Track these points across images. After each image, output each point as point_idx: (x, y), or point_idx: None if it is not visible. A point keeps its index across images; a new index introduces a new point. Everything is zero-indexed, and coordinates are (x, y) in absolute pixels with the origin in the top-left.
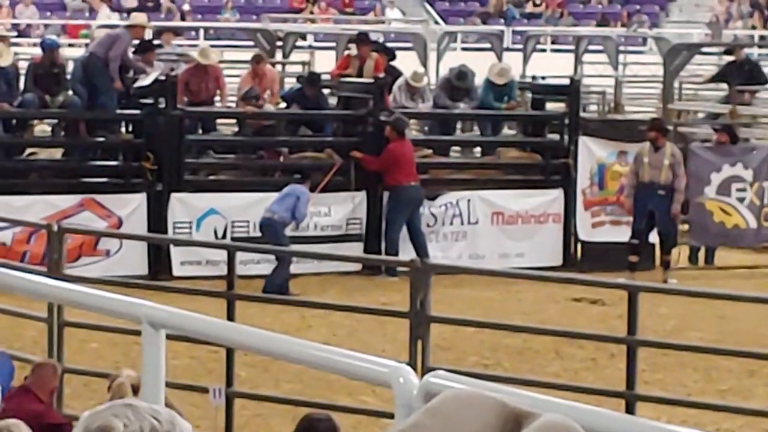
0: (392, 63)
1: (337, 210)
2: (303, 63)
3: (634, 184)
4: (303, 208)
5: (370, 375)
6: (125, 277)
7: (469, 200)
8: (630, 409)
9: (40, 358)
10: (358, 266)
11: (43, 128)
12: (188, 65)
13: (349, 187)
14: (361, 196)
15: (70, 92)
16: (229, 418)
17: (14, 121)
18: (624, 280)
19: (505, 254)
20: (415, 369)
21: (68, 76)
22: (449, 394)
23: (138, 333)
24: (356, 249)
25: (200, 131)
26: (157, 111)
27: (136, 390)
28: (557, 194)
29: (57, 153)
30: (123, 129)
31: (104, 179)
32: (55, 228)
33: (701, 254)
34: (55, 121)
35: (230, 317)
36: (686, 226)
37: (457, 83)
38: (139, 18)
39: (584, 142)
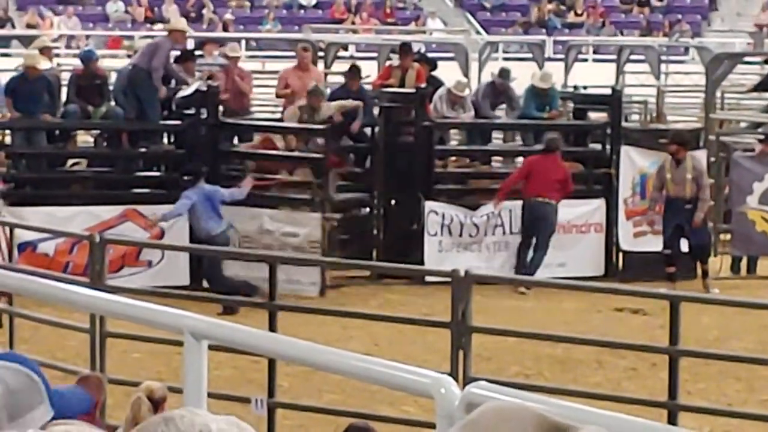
0: (433, 73)
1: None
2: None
3: (657, 198)
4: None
5: (411, 385)
6: (167, 287)
7: (510, 210)
8: (672, 420)
9: (83, 369)
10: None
11: (85, 139)
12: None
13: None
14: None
15: (113, 103)
16: (272, 429)
17: (57, 132)
18: (665, 290)
19: (547, 264)
20: (456, 379)
21: (110, 87)
22: (489, 407)
23: (180, 343)
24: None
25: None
26: (199, 121)
27: (161, 402)
28: (599, 204)
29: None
30: (165, 140)
31: (146, 190)
32: (98, 239)
33: (743, 264)
34: (98, 132)
35: (272, 328)
36: (728, 236)
37: (499, 79)
38: (179, 23)
39: (626, 151)
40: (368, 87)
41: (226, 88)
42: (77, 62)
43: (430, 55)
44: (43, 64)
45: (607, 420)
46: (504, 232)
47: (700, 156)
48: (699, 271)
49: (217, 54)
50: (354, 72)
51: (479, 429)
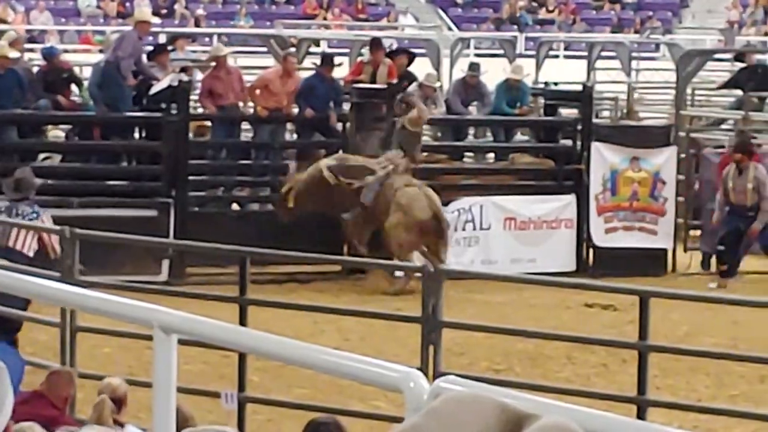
0: (409, 68)
1: None
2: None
3: (722, 203)
4: None
5: (380, 380)
6: (140, 282)
7: (481, 206)
8: (641, 415)
9: (53, 364)
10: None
11: (56, 133)
12: (208, 71)
13: None
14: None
15: (86, 95)
16: (242, 423)
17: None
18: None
19: (517, 259)
20: (427, 374)
21: (81, 78)
22: (451, 396)
23: (151, 337)
24: None
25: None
26: (170, 116)
27: (123, 398)
28: (570, 200)
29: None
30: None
31: (119, 183)
32: (68, 233)
33: (713, 260)
34: (69, 126)
35: (242, 322)
36: (698, 232)
37: (469, 73)
38: (144, 15)
39: (597, 148)
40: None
41: (214, 87)
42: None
43: None
44: (12, 54)
45: (576, 415)
46: (474, 228)
47: (762, 167)
48: None
49: (189, 50)
50: (327, 61)
51: (440, 417)
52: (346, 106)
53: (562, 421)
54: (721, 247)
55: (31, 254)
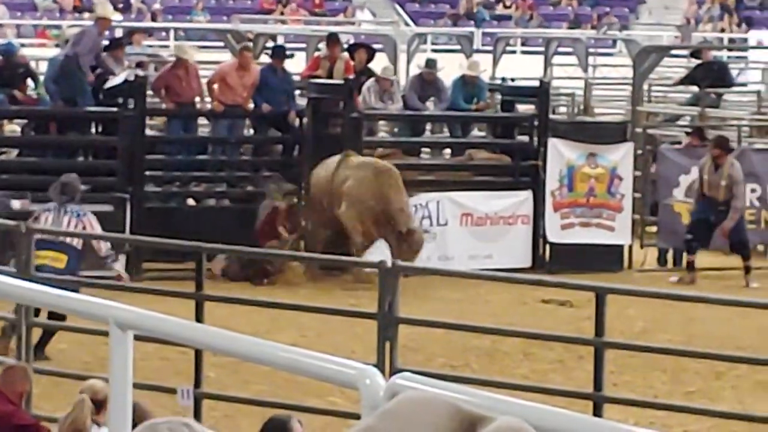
0: (369, 64)
1: None
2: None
3: (697, 194)
4: None
5: (336, 377)
6: (96, 278)
7: (438, 202)
8: (597, 411)
9: (8, 360)
10: None
11: (12, 128)
12: (166, 67)
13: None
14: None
15: (43, 90)
16: (198, 419)
17: None
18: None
19: (474, 256)
20: (383, 370)
21: (37, 73)
22: (406, 397)
23: (107, 334)
24: None
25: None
26: (126, 111)
27: (103, 403)
28: (526, 196)
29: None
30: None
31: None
32: (23, 229)
33: (669, 256)
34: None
35: (199, 318)
36: (654, 228)
37: (426, 69)
38: (105, 11)
39: (553, 144)
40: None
41: (171, 84)
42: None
43: None
44: None
45: (532, 411)
46: (431, 224)
47: (738, 165)
48: (742, 266)
49: (146, 44)
50: (278, 53)
51: (395, 418)
52: (301, 100)
53: (516, 422)
54: (689, 236)
55: (80, 247)
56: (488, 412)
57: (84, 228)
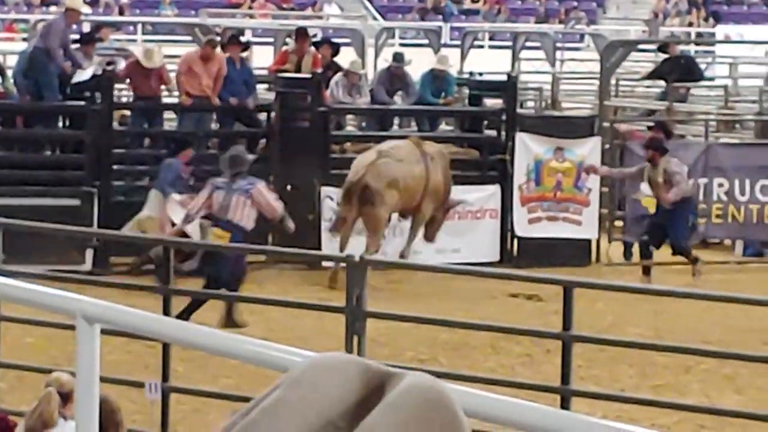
0: (334, 59)
1: None
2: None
3: (618, 178)
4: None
5: None
6: (63, 271)
7: None
8: (565, 405)
9: None
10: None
11: None
12: (128, 61)
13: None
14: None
15: (10, 84)
16: (166, 413)
17: None
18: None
19: (441, 250)
20: None
21: (8, 69)
22: (310, 361)
23: (74, 328)
24: None
25: (146, 126)
26: (94, 105)
27: (69, 395)
28: (494, 190)
29: None
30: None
31: (42, 172)
32: None
33: (635, 249)
34: None
35: (166, 312)
36: (620, 223)
37: (394, 64)
38: (74, 2)
39: (521, 138)
40: (263, 71)
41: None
42: None
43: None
44: None
45: (500, 405)
46: (399, 218)
47: (676, 160)
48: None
49: (114, 38)
50: (233, 40)
51: (301, 386)
52: (269, 94)
53: (428, 378)
54: (645, 237)
55: (251, 225)
56: (398, 370)
57: (253, 204)
